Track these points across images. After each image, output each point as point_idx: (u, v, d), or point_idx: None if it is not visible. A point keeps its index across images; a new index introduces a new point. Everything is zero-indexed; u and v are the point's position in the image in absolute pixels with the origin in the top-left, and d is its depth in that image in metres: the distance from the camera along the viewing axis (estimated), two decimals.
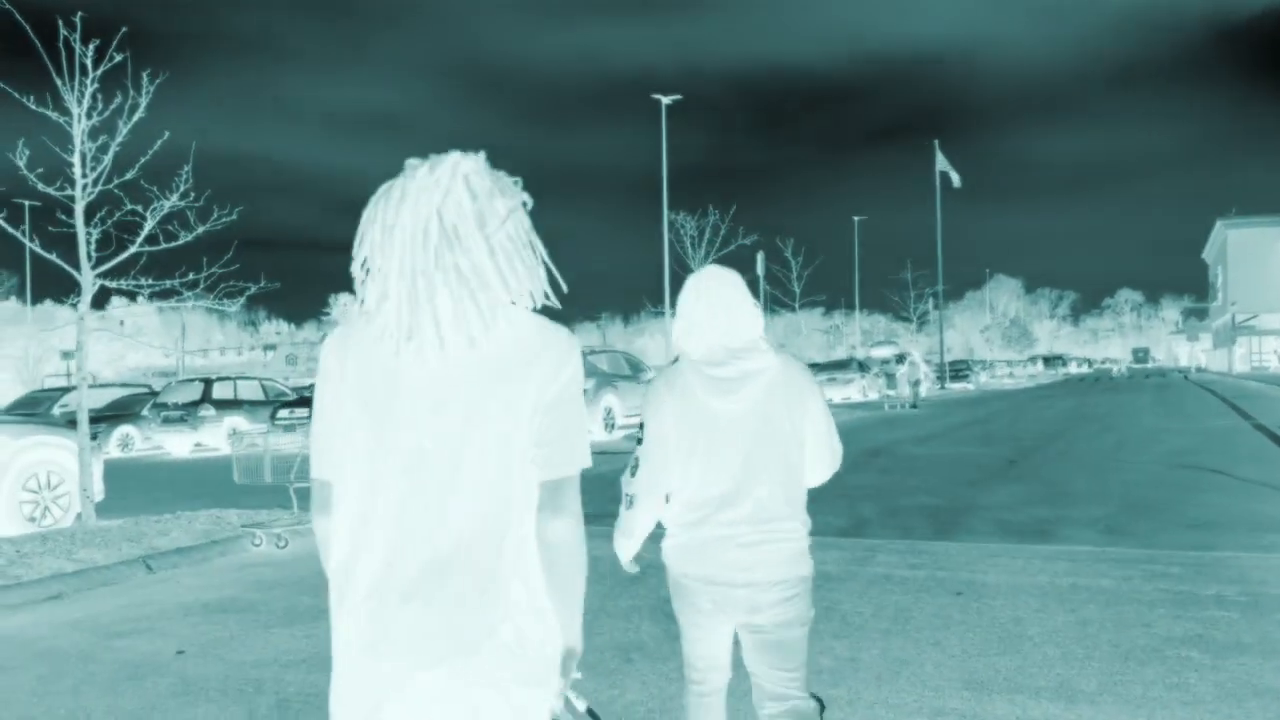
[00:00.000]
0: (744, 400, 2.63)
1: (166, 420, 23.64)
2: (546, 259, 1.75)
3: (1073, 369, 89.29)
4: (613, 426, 21.12)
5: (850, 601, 6.04)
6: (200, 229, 9.22)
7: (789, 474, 2.69)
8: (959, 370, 44.94)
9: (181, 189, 9.01)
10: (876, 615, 5.72)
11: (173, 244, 9.06)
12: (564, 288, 1.75)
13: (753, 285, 26.24)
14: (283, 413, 22.74)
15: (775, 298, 27.85)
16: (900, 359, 44.75)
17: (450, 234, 1.67)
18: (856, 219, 60.23)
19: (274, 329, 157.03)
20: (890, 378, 30.32)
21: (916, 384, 29.05)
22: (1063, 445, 15.47)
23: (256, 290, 9.56)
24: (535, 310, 1.75)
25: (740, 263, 23.79)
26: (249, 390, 24.72)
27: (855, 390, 39.86)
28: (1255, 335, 65.38)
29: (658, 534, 2.77)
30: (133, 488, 14.60)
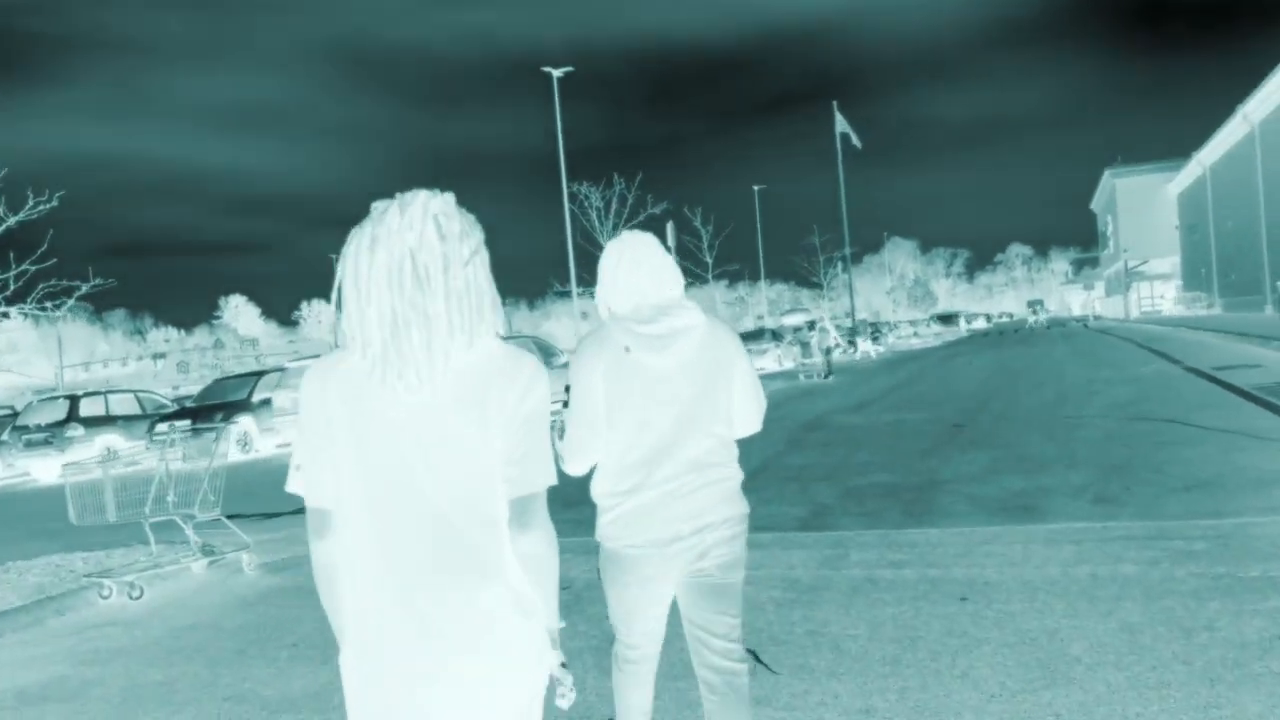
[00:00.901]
0: (676, 355, 2.65)
1: (29, 444, 21.46)
2: (496, 296, 1.87)
3: (977, 325, 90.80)
4: None
5: (837, 620, 4.91)
6: (10, 219, 7.55)
7: (723, 426, 2.73)
8: (874, 333, 44.66)
9: None
10: (874, 637, 4.60)
11: None
12: (505, 325, 1.88)
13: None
14: (161, 426, 20.76)
15: (687, 269, 26.57)
16: (811, 326, 44.39)
17: (421, 275, 1.78)
18: (756, 188, 59.77)
19: (163, 336, 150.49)
20: (804, 346, 28.57)
21: (829, 351, 27.55)
22: (1001, 404, 14.72)
23: (90, 289, 7.94)
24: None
25: (655, 232, 22.72)
26: (123, 404, 22.62)
27: (770, 360, 39.20)
28: (1147, 280, 67.18)
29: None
30: None
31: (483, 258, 1.86)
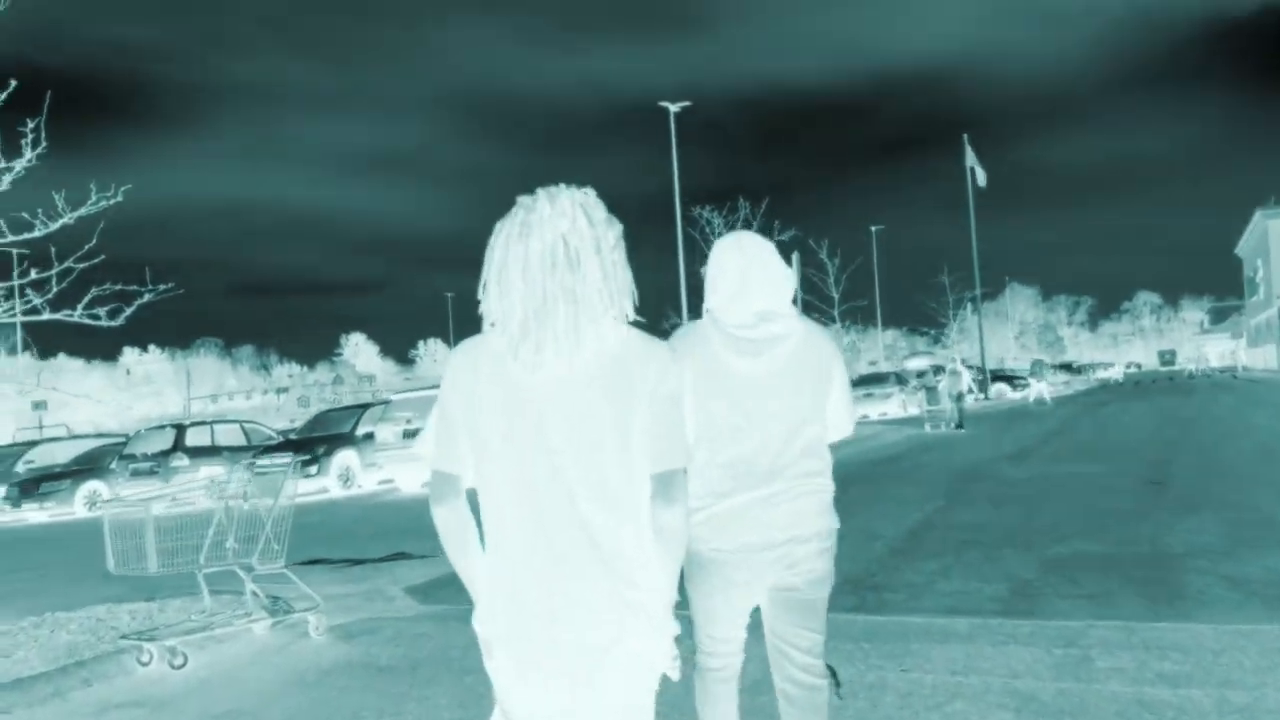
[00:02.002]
0: (770, 361, 2.61)
1: (135, 473, 21.04)
2: (633, 284, 2.00)
3: (1110, 374, 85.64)
4: None
5: None
6: (69, 216, 6.56)
7: (818, 433, 2.67)
8: (1014, 379, 41.45)
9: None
10: None
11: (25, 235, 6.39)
12: (637, 307, 1.99)
13: (801, 290, 23.75)
14: (263, 460, 20.02)
15: (811, 305, 24.58)
16: (938, 370, 41.85)
17: (573, 258, 1.91)
18: (874, 229, 57.70)
19: (286, 371, 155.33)
20: (930, 391, 25.16)
21: (960, 398, 23.55)
22: (1193, 457, 12.65)
23: (151, 298, 6.89)
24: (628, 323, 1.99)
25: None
26: (228, 435, 22.10)
27: (894, 405, 36.97)
28: None
29: None
30: (56, 562, 11.92)
31: (623, 246, 1.99)
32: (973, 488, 11.21)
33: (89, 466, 22.37)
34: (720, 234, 17.72)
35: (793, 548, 2.60)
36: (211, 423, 21.91)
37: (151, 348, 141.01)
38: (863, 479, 13.25)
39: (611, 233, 1.96)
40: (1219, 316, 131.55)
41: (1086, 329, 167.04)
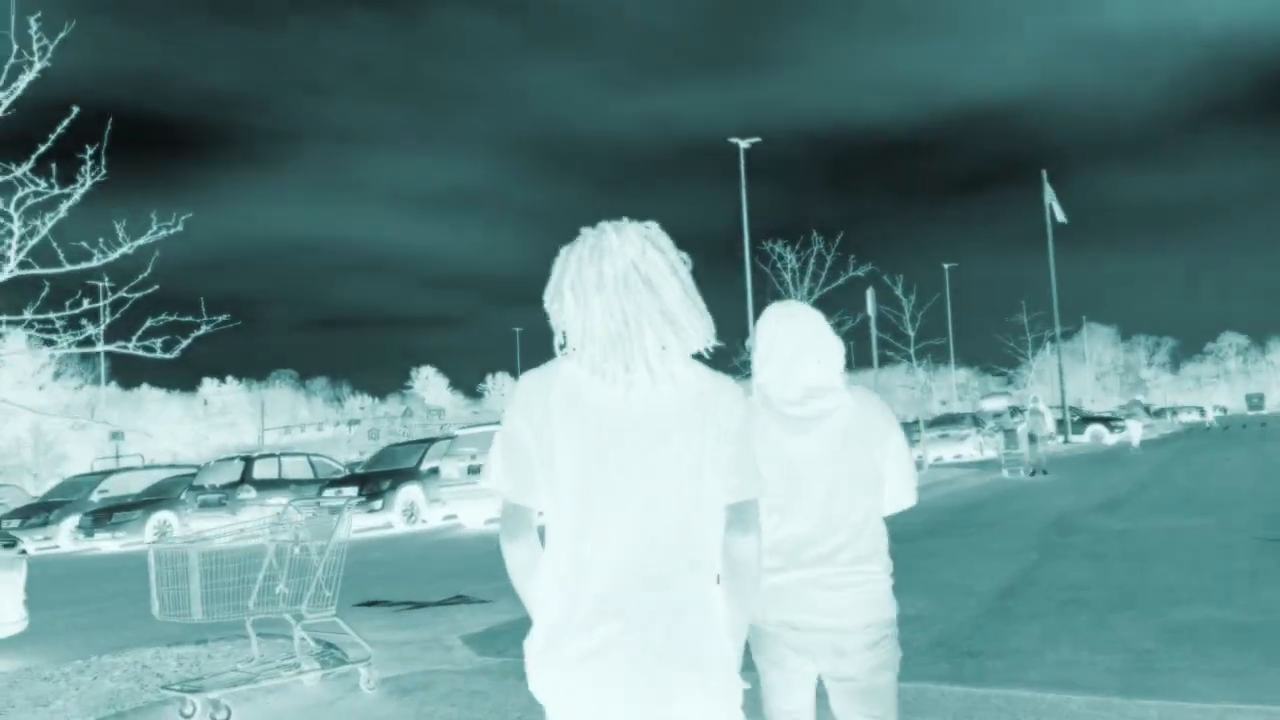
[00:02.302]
0: (820, 438, 2.54)
1: (204, 504, 21.09)
2: (708, 314, 1.98)
3: (1190, 417, 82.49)
4: None
5: None
6: (128, 245, 6.36)
7: (869, 513, 2.58)
8: (1110, 420, 39.43)
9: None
10: None
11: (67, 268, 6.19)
12: (712, 339, 1.97)
13: (863, 328, 22.86)
14: (329, 492, 19.94)
15: (886, 343, 23.67)
16: (1016, 411, 40.31)
17: (647, 282, 1.90)
18: (947, 266, 56.48)
19: (358, 404, 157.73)
20: (1009, 434, 22.99)
21: (1040, 441, 21.59)
22: None
23: (209, 329, 6.64)
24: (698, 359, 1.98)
25: (850, 300, 20.28)
26: (295, 468, 22.09)
27: (970, 447, 35.82)
28: None
29: None
30: (118, 595, 11.77)
31: (691, 272, 1.99)
32: (1068, 540, 10.46)
33: (160, 497, 22.52)
34: (793, 270, 17.20)
35: (840, 638, 2.53)
36: (279, 455, 21.92)
37: (229, 379, 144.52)
38: (947, 528, 12.54)
39: (681, 261, 1.96)
40: None
41: (1168, 370, 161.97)
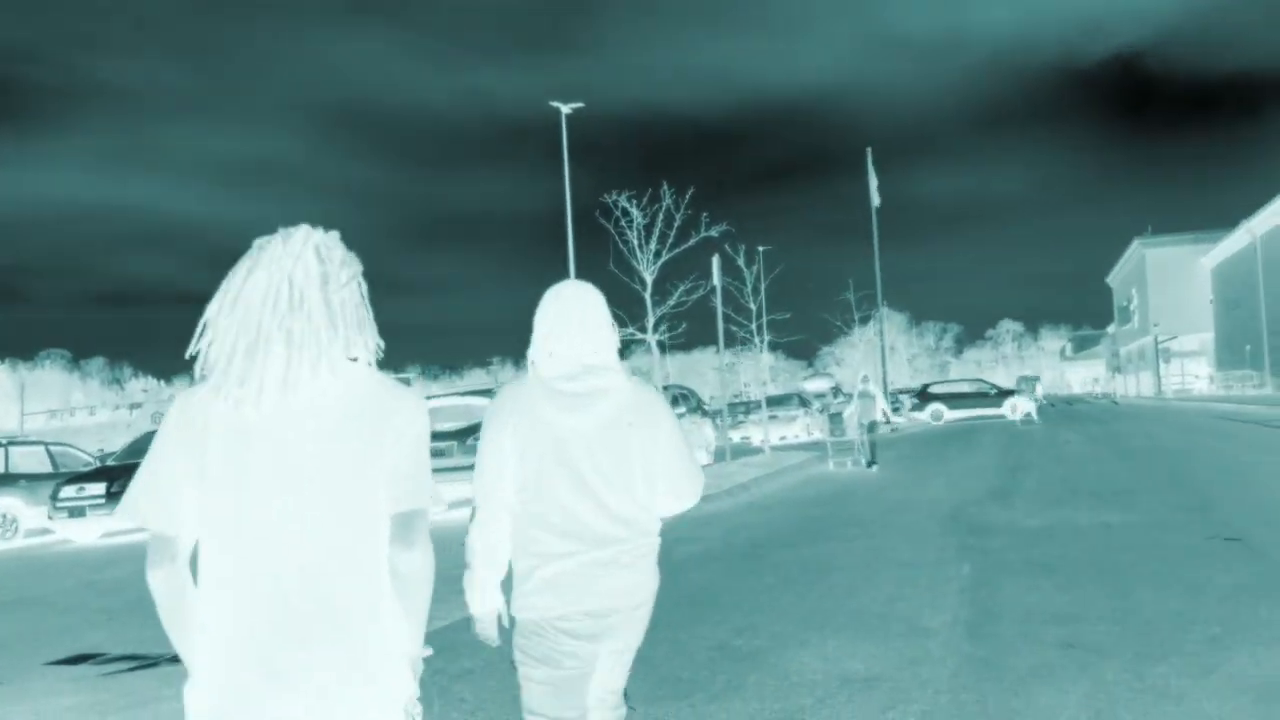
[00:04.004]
0: (594, 417, 2.51)
1: None
2: (373, 323, 1.92)
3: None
4: None
5: None
6: None
7: (644, 493, 2.57)
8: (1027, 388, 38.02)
9: None
10: None
11: None
12: (382, 350, 1.94)
13: (705, 302, 20.86)
14: (68, 490, 16.28)
15: (731, 318, 21.53)
16: (838, 392, 39.56)
17: (297, 298, 1.82)
18: (761, 249, 56.05)
19: (141, 386, 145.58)
20: (834, 419, 19.45)
21: (873, 427, 17.92)
22: (1235, 502, 10.48)
23: None
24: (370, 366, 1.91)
25: (699, 266, 18.21)
26: (30, 460, 18.12)
27: (799, 428, 34.97)
28: (1176, 357, 63.35)
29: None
30: None
31: (360, 286, 1.91)
32: (987, 544, 8.70)
33: None
34: (639, 228, 14.98)
35: (632, 612, 2.55)
36: (6, 444, 17.89)
37: None
38: (822, 528, 10.65)
39: (345, 271, 1.89)
40: (1082, 344, 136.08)
41: (953, 354, 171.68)
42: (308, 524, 1.78)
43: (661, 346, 15.55)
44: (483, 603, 2.52)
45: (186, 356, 1.85)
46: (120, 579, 10.72)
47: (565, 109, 40.08)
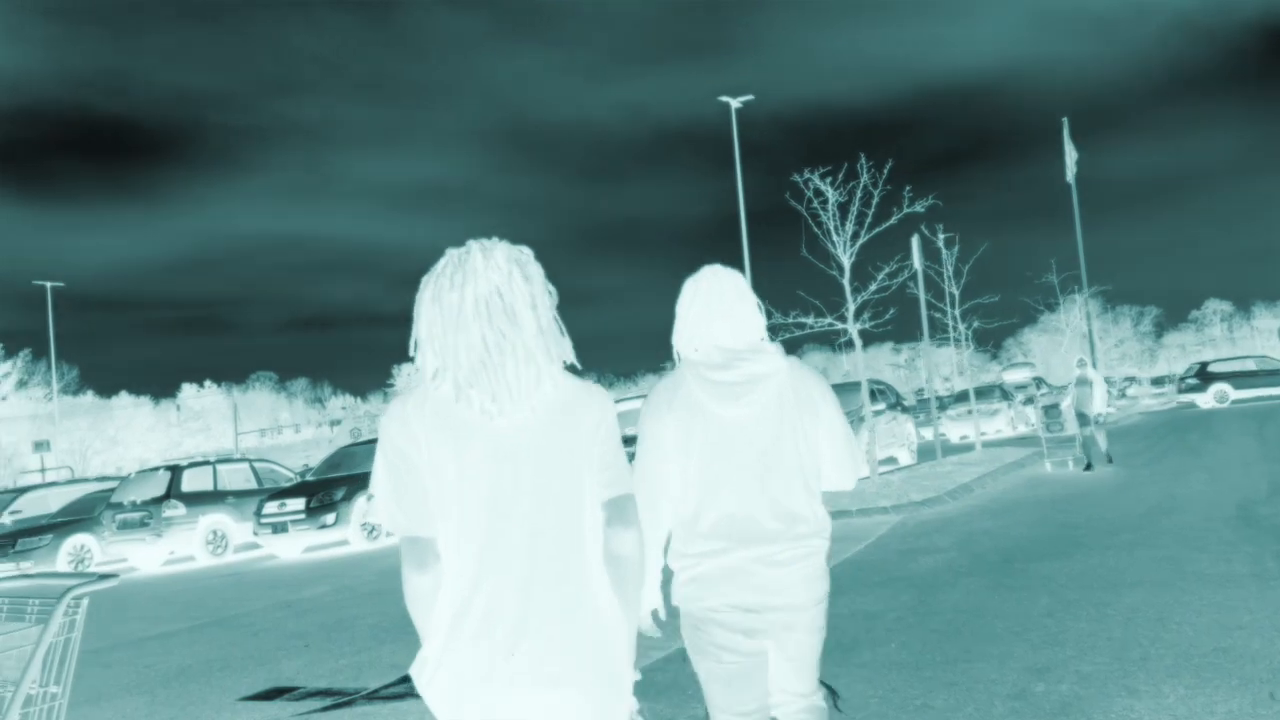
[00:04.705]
0: (753, 405, 2.46)
1: (123, 525, 17.53)
2: (567, 336, 2.04)
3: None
4: None
5: None
6: None
7: (810, 483, 2.52)
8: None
9: None
10: None
11: None
12: (574, 362, 2.05)
13: (904, 288, 19.25)
14: (270, 506, 16.41)
15: (933, 305, 19.67)
16: (1040, 383, 36.50)
17: (509, 311, 1.93)
18: (941, 235, 53.16)
19: (339, 404, 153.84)
20: (1049, 411, 16.19)
21: (1095, 422, 14.97)
22: None
23: None
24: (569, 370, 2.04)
25: (900, 248, 16.74)
26: (234, 477, 18.53)
27: (1003, 422, 32.61)
28: None
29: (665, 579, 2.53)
30: None
31: (555, 308, 2.02)
32: None
33: (77, 518, 18.93)
34: (834, 209, 13.74)
35: (790, 615, 2.47)
36: (214, 463, 18.35)
37: (208, 383, 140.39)
38: (1080, 533, 9.13)
39: (549, 294, 2.00)
40: None
41: (1153, 338, 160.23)
42: (548, 522, 1.89)
43: (864, 337, 14.17)
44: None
45: (414, 366, 1.97)
46: (316, 599, 10.38)
47: (735, 103, 39.17)
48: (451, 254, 1.96)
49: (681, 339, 2.55)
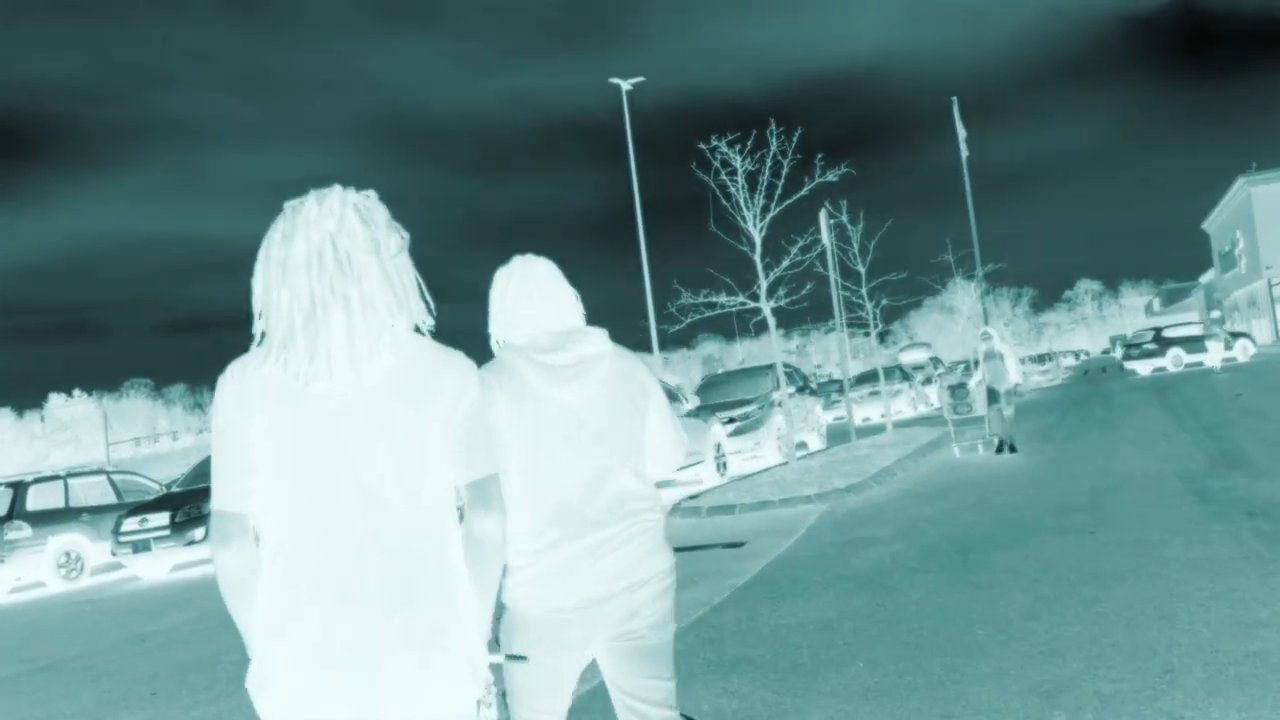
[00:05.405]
0: (585, 388, 2.39)
1: None
2: (424, 288, 1.86)
3: (1067, 362, 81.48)
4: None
5: None
6: None
7: (640, 465, 2.47)
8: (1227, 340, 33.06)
9: None
10: None
11: None
12: (434, 316, 1.88)
13: (816, 262, 18.46)
14: (130, 522, 14.77)
15: (837, 283, 18.85)
16: (937, 363, 36.51)
17: (344, 260, 1.75)
18: (824, 214, 53.31)
19: None
20: (956, 391, 14.76)
21: (1007, 397, 13.87)
22: None
23: None
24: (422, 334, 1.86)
25: (810, 223, 15.97)
26: (91, 491, 16.70)
27: (904, 403, 32.54)
28: None
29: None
30: None
31: (407, 254, 1.85)
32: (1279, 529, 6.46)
33: None
34: (742, 179, 12.85)
35: (631, 594, 2.36)
36: (65, 476, 16.49)
37: (77, 392, 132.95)
38: (1028, 517, 8.44)
39: (394, 236, 1.83)
40: (1171, 298, 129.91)
41: (1029, 318, 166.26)
42: (380, 497, 1.74)
43: (777, 315, 13.34)
44: None
45: (255, 337, 1.80)
46: (175, 631, 8.99)
47: (626, 85, 38.11)
48: (287, 206, 1.83)
49: (499, 325, 2.46)
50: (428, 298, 1.87)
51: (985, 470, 12.33)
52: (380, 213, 1.83)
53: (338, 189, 1.81)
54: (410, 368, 1.78)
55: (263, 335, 1.79)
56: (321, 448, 1.72)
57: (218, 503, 1.76)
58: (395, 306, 1.78)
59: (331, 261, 1.74)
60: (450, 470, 1.81)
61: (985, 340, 14.28)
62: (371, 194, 1.85)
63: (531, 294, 2.43)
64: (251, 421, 1.73)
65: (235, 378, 1.77)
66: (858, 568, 7.11)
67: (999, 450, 13.84)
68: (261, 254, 1.79)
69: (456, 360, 1.84)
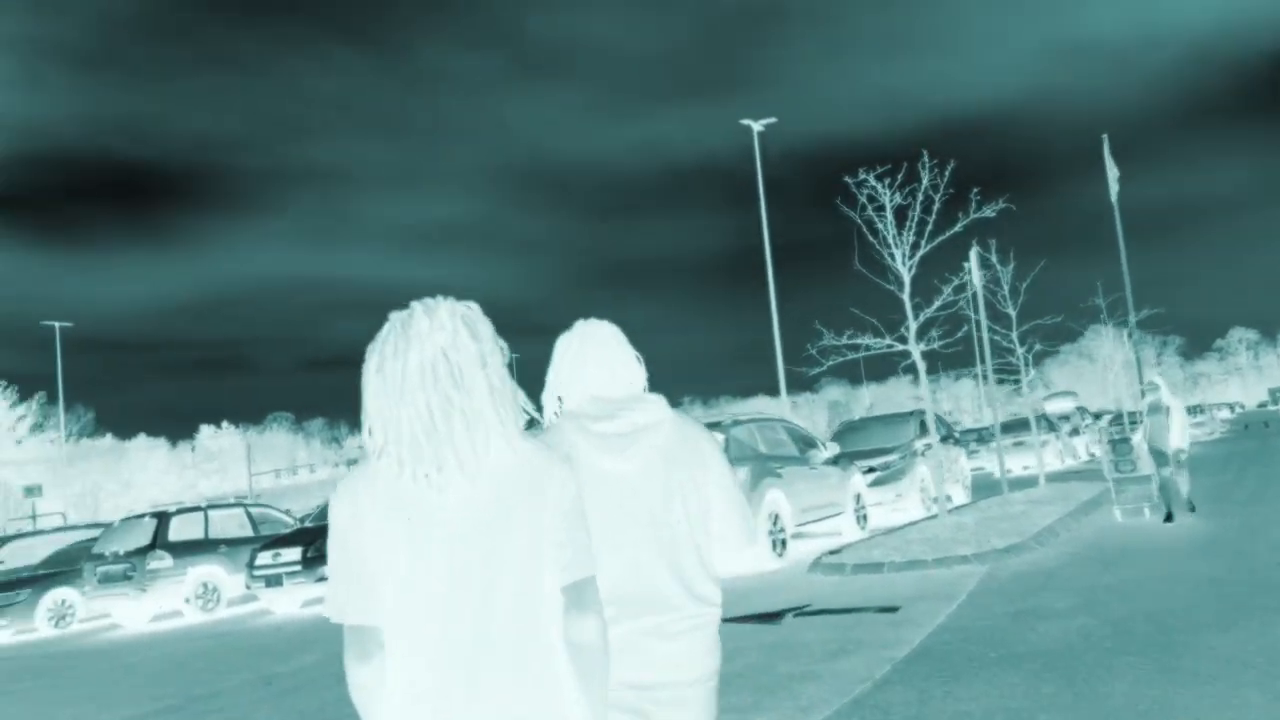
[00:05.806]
0: (639, 458, 2.28)
1: (105, 578, 15.96)
2: (523, 398, 1.90)
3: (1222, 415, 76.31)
4: (783, 544, 12.42)
5: None
6: None
7: (701, 545, 2.31)
8: None
9: None
10: None
11: None
12: (534, 415, 2.00)
13: (964, 304, 17.43)
14: (264, 556, 14.85)
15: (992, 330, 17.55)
16: (1084, 412, 34.36)
17: (456, 373, 1.79)
18: (974, 252, 51.35)
19: (356, 442, 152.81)
20: (1118, 446, 12.99)
21: (1174, 460, 12.13)
22: None
23: None
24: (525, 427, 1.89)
25: (954, 263, 15.07)
26: (229, 523, 16.96)
27: (1050, 455, 30.74)
28: None
29: None
30: None
31: (505, 364, 1.87)
32: None
33: (60, 569, 17.44)
34: (890, 214, 12.15)
35: (680, 691, 2.23)
36: (206, 508, 16.80)
37: (225, 424, 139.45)
38: (1233, 590, 7.41)
39: (498, 350, 1.87)
40: None
41: (1178, 368, 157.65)
42: (501, 607, 1.75)
43: (928, 360, 12.51)
44: None
45: (366, 448, 1.81)
46: (302, 674, 8.75)
47: (758, 126, 37.79)
48: (394, 318, 1.85)
49: (552, 394, 2.39)
50: (529, 409, 1.91)
51: (1164, 534, 11.14)
52: (485, 326, 1.86)
53: (446, 301, 1.85)
54: (519, 472, 1.80)
55: (377, 448, 1.79)
56: (448, 556, 1.73)
57: (351, 616, 1.75)
58: (499, 418, 1.80)
59: (445, 375, 1.77)
60: (548, 572, 1.80)
61: (1151, 391, 12.61)
62: (474, 306, 1.88)
63: (588, 359, 2.35)
64: (373, 535, 1.74)
65: (353, 492, 1.78)
66: (1038, 645, 6.28)
67: (1167, 519, 11.99)
68: (372, 366, 1.80)
69: (556, 458, 1.86)
